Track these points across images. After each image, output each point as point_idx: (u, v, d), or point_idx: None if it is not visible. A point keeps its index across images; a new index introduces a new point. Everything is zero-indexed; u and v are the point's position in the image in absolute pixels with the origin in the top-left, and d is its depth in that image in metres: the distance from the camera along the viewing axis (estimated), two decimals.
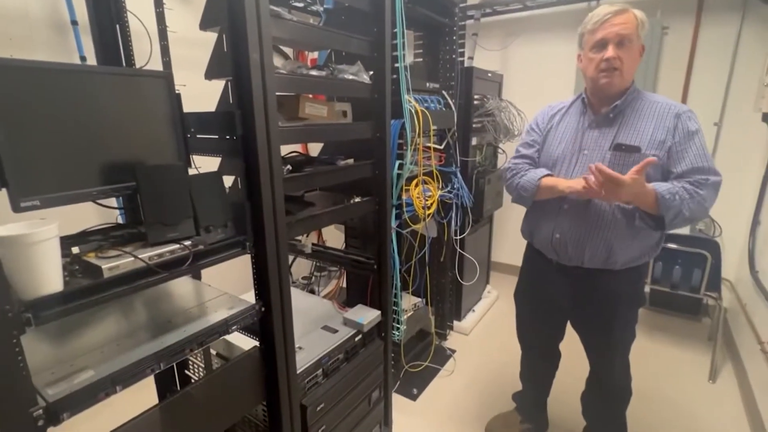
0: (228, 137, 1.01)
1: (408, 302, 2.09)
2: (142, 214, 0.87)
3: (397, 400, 2.01)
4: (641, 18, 1.22)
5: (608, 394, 1.53)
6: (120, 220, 1.14)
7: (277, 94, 1.04)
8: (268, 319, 1.10)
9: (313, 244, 1.84)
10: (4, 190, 0.73)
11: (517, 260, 1.66)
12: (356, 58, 1.42)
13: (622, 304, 1.36)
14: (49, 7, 1.65)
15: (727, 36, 2.52)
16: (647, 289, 2.36)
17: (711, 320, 2.58)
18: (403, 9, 1.46)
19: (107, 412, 0.94)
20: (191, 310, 1.04)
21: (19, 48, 1.58)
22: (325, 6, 1.66)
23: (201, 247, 0.91)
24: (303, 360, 1.26)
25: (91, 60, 1.21)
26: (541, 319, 1.60)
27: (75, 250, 0.82)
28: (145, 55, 1.18)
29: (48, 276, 0.69)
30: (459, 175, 2.15)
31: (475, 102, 2.43)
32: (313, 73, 1.22)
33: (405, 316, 1.91)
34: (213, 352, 1.34)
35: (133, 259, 0.80)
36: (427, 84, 1.99)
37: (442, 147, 2.09)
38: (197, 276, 1.32)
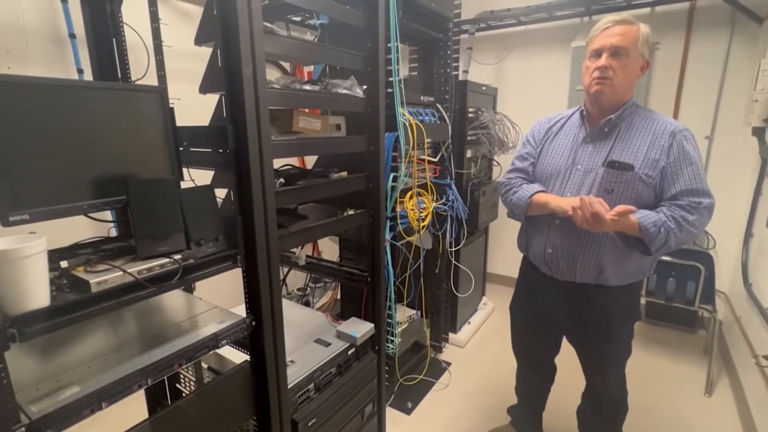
0: (221, 151, 1.02)
1: (403, 314, 2.08)
2: (132, 228, 0.87)
3: (391, 414, 1.98)
4: (645, 33, 1.19)
5: (604, 408, 1.52)
6: (114, 233, 1.14)
7: (271, 108, 1.05)
8: (259, 333, 1.09)
9: (307, 256, 1.83)
10: None
11: (514, 272, 1.66)
12: (351, 72, 1.43)
13: (617, 319, 1.35)
14: (47, 20, 1.67)
15: (717, 52, 2.58)
16: (642, 301, 2.35)
17: (707, 332, 2.58)
18: (397, 25, 1.48)
19: (96, 426, 0.93)
20: (181, 324, 1.03)
21: (17, 60, 1.60)
22: (320, 21, 1.68)
23: (191, 261, 0.90)
24: (295, 374, 1.25)
25: (88, 72, 1.22)
26: (535, 332, 1.59)
27: (64, 264, 0.81)
28: (143, 68, 1.20)
29: (34, 291, 0.69)
30: (454, 187, 2.16)
31: (470, 115, 2.45)
32: (307, 87, 1.23)
33: (399, 329, 1.90)
34: (204, 365, 1.33)
35: (121, 273, 0.80)
36: (422, 97, 2.01)
37: (436, 159, 2.10)
38: (190, 289, 1.31)
